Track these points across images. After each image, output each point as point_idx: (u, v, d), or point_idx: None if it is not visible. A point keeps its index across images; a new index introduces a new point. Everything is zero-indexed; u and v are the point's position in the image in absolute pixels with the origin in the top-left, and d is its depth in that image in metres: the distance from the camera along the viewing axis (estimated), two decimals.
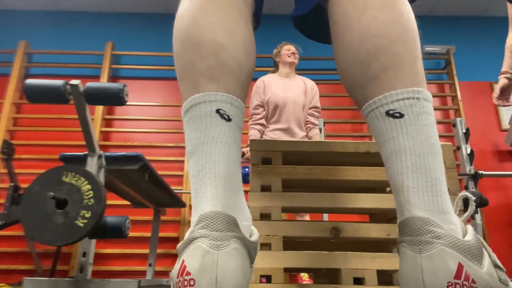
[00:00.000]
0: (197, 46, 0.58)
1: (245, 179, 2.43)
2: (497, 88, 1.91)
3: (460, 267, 0.46)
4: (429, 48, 4.11)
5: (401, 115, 0.52)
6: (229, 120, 0.55)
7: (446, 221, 0.49)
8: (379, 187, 1.15)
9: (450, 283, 0.45)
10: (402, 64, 0.55)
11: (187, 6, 0.62)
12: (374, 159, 1.08)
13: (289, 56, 2.75)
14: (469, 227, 0.53)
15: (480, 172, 2.90)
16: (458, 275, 0.46)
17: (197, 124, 0.55)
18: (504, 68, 1.93)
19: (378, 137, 0.55)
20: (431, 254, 0.47)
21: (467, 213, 0.57)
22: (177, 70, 0.62)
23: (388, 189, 1.15)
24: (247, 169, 2.47)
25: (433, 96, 4.04)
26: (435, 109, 3.97)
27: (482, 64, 4.03)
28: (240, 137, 0.58)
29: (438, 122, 3.93)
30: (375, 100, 0.54)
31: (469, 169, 3.00)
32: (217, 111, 0.55)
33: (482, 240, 0.52)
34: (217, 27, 0.59)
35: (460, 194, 0.60)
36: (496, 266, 0.50)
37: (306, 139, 2.67)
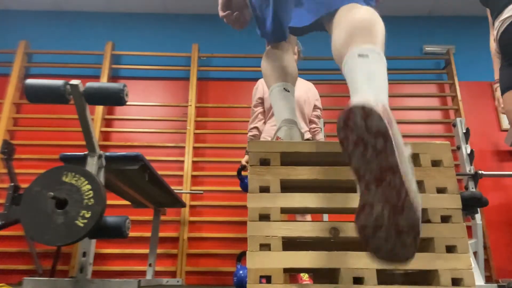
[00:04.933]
0: (278, 68, 1.37)
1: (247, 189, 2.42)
2: (499, 97, 1.82)
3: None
4: (429, 48, 4.10)
5: (367, 56, 0.90)
6: (288, 91, 1.33)
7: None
8: None
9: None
10: (369, 33, 0.95)
11: (271, 63, 1.38)
12: None
13: None
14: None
15: (480, 172, 2.90)
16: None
17: (277, 93, 1.33)
18: (497, 75, 1.85)
19: (349, 71, 0.93)
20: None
21: None
22: (265, 74, 1.41)
23: None
24: (246, 181, 2.47)
25: (433, 96, 4.01)
26: (435, 109, 3.98)
27: (482, 64, 4.02)
28: (294, 96, 1.36)
29: (438, 122, 3.93)
30: (350, 51, 0.93)
31: (469, 169, 3.00)
32: (284, 88, 1.33)
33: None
34: (287, 66, 1.37)
35: None
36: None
37: (308, 134, 2.69)
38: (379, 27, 0.97)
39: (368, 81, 0.85)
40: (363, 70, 0.87)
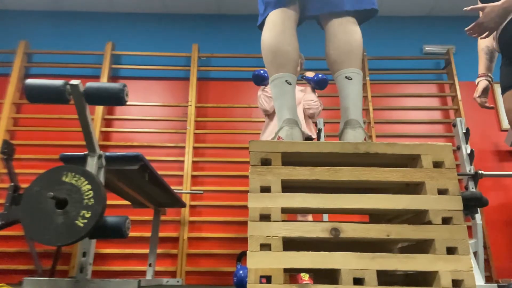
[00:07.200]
0: (279, 51, 1.35)
1: (323, 84, 2.74)
2: (480, 88, 1.99)
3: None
4: (429, 48, 4.10)
5: (351, 79, 1.35)
6: (290, 84, 1.35)
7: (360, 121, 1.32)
8: (379, 188, 1.14)
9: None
10: (355, 58, 1.37)
11: (271, 33, 1.37)
12: (373, 160, 1.07)
13: None
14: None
15: (480, 172, 2.90)
16: None
17: (279, 86, 1.35)
18: (481, 70, 2.00)
19: (341, 88, 1.37)
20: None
21: None
22: (266, 61, 1.39)
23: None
24: (320, 75, 2.71)
25: (433, 96, 3.99)
26: (435, 109, 3.97)
27: None
28: (295, 91, 1.37)
29: (438, 122, 3.92)
30: (342, 70, 1.37)
31: (469, 169, 3.00)
32: (286, 81, 1.34)
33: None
34: (288, 43, 1.36)
35: None
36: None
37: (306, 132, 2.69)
38: (361, 49, 1.39)
39: (354, 106, 1.32)
40: (349, 94, 1.33)
